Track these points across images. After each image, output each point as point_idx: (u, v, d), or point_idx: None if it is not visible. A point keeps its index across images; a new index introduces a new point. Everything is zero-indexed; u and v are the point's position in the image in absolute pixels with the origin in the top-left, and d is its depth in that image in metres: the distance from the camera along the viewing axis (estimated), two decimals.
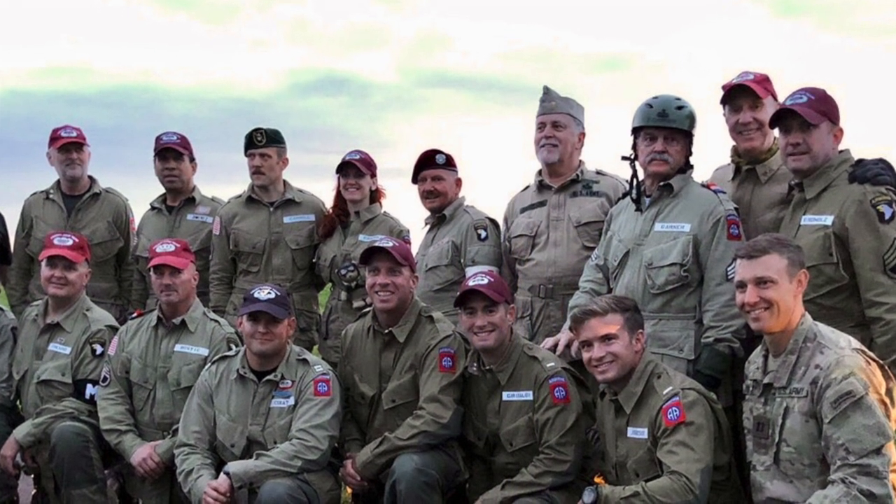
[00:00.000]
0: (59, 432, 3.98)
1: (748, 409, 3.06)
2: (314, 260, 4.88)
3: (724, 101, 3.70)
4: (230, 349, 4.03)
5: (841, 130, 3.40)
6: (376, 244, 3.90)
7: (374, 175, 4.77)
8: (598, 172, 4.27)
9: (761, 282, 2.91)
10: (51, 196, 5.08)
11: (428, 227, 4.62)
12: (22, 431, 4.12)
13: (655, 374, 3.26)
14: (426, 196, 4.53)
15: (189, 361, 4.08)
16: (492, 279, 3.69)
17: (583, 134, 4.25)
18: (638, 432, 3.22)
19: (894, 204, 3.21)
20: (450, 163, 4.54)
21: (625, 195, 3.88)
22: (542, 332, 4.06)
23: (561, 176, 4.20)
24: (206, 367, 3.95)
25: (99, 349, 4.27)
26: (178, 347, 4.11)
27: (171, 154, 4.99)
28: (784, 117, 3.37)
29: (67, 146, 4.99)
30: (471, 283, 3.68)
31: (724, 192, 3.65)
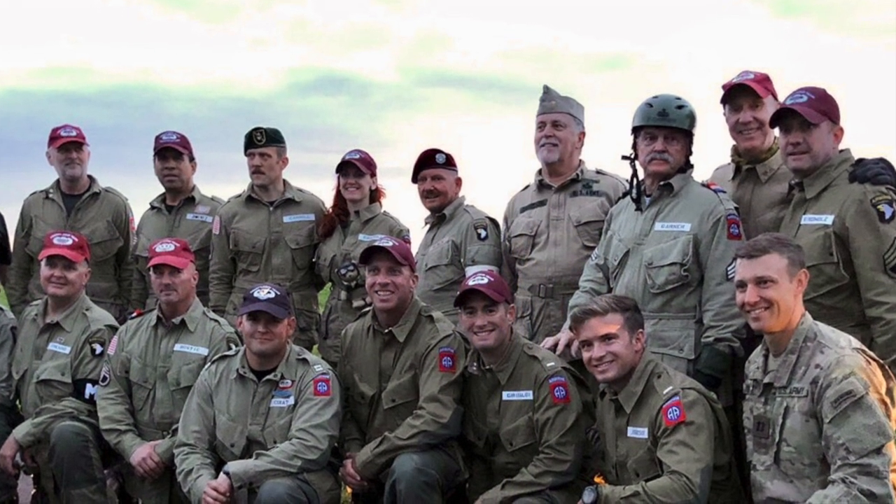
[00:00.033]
0: (58, 432, 3.98)
1: (748, 408, 3.06)
2: (314, 259, 4.88)
3: (724, 101, 3.70)
4: (230, 349, 4.02)
5: (841, 130, 3.40)
6: (376, 244, 3.90)
7: (373, 174, 4.77)
8: (599, 172, 4.26)
9: (761, 281, 2.91)
10: (50, 195, 5.08)
11: (428, 226, 4.61)
12: (21, 431, 4.12)
13: (655, 373, 3.26)
14: (426, 195, 4.53)
15: (189, 361, 4.07)
16: (492, 279, 3.69)
17: (583, 133, 4.25)
18: (638, 432, 3.22)
19: (894, 203, 3.21)
20: (450, 162, 4.54)
21: (625, 195, 3.88)
22: (542, 331, 4.05)
23: (561, 175, 4.20)
24: (206, 366, 3.95)
25: (98, 349, 4.27)
26: (177, 347, 4.11)
27: (171, 153, 4.99)
28: (784, 117, 3.37)
29: (67, 145, 4.98)
30: (471, 282, 3.68)
31: (725, 192, 3.65)
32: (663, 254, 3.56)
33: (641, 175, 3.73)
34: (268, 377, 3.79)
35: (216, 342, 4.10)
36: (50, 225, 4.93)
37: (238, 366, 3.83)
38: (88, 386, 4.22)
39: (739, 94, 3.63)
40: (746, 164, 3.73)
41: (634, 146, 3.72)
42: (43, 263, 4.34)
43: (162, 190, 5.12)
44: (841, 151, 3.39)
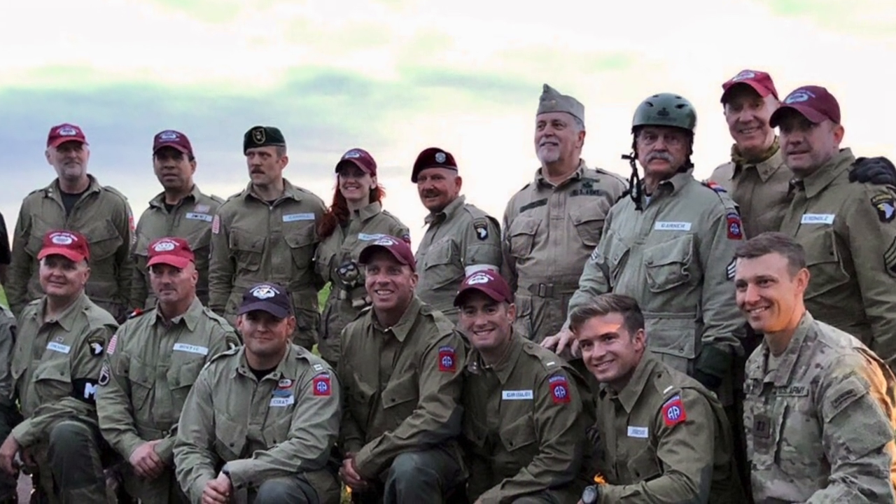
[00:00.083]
0: (57, 431, 3.98)
1: (749, 408, 3.06)
2: (314, 259, 4.87)
3: (724, 100, 3.69)
4: (229, 348, 4.02)
5: (841, 129, 3.40)
6: (376, 243, 3.90)
7: (373, 174, 4.76)
8: (599, 171, 4.26)
9: (762, 281, 2.90)
10: (50, 195, 5.07)
11: (428, 225, 4.61)
12: (21, 430, 4.12)
13: (656, 373, 3.26)
14: (426, 195, 4.53)
15: (188, 360, 4.07)
16: (492, 278, 3.69)
17: (583, 132, 4.25)
18: (638, 431, 3.22)
19: (895, 202, 3.20)
20: (449, 161, 4.53)
21: (625, 194, 3.87)
22: (542, 330, 4.05)
23: (561, 174, 4.20)
24: (206, 366, 3.95)
25: (98, 348, 4.26)
26: (177, 346, 4.10)
27: (171, 152, 4.98)
28: (785, 116, 3.37)
29: (66, 145, 4.98)
30: (471, 281, 3.67)
31: (725, 191, 3.64)
32: (663, 253, 3.55)
33: (642, 174, 3.72)
34: (267, 376, 3.79)
35: (216, 341, 4.09)
36: (49, 224, 4.92)
37: (238, 365, 3.83)
38: (88, 385, 4.22)
39: (740, 93, 3.63)
40: (747, 163, 3.72)
41: (634, 145, 3.72)
42: (42, 262, 4.33)
43: (161, 189, 5.11)
44: (841, 150, 3.39)
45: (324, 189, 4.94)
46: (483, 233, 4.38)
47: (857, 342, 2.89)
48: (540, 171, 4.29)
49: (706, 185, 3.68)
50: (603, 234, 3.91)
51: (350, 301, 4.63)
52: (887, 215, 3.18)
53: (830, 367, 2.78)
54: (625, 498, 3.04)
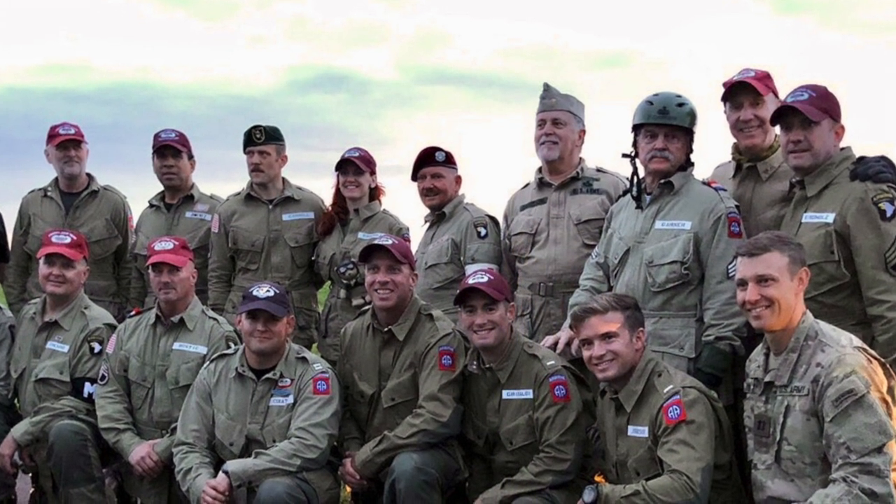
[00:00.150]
0: (57, 431, 3.97)
1: (749, 407, 3.05)
2: (313, 258, 4.87)
3: (724, 98, 3.68)
4: (229, 347, 4.02)
5: (842, 127, 3.39)
6: (376, 242, 3.89)
7: (373, 172, 4.76)
8: (599, 170, 4.26)
9: (762, 280, 2.90)
10: (49, 193, 5.07)
11: (427, 224, 4.61)
12: (20, 430, 4.11)
13: (656, 372, 3.25)
14: (426, 193, 4.52)
15: (187, 360, 4.06)
16: (492, 277, 3.68)
17: (583, 131, 4.24)
18: (638, 431, 3.21)
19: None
20: (449, 160, 4.53)
21: (625, 193, 3.87)
22: (542, 330, 4.05)
23: (561, 173, 4.19)
24: (205, 365, 3.94)
25: (97, 347, 4.26)
26: (176, 345, 4.10)
27: (170, 151, 4.98)
28: (785, 114, 3.36)
29: (65, 143, 4.97)
30: (471, 280, 3.67)
31: (725, 190, 3.64)
32: (664, 252, 3.55)
33: (642, 173, 3.72)
34: (267, 376, 3.78)
35: (215, 341, 4.09)
36: (48, 223, 4.92)
37: (237, 364, 3.82)
38: (87, 384, 4.21)
39: (740, 92, 3.62)
40: (747, 161, 3.72)
41: (635, 144, 3.71)
42: (41, 261, 4.33)
43: (161, 188, 5.11)
44: (842, 149, 3.38)
45: (323, 188, 4.95)
46: (483, 232, 4.38)
47: (857, 341, 2.89)
48: (540, 169, 4.29)
49: (706, 183, 3.67)
50: (603, 233, 3.91)
51: (350, 300, 4.62)
52: (888, 214, 3.18)
53: (831, 367, 2.78)
54: (625, 497, 3.04)
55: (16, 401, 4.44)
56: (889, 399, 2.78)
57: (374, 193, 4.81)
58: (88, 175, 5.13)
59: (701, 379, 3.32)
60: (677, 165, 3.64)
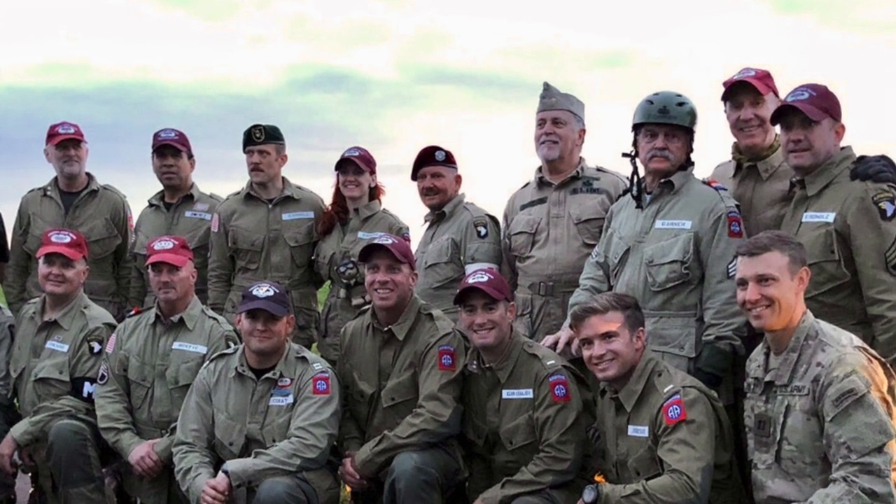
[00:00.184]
0: (56, 430, 3.97)
1: (749, 407, 3.05)
2: (313, 257, 4.87)
3: (725, 98, 3.68)
4: (228, 347, 4.01)
5: (843, 127, 3.39)
6: (375, 241, 3.89)
7: (373, 172, 4.75)
8: (599, 169, 4.26)
9: (762, 279, 2.89)
10: (48, 193, 5.06)
11: (427, 224, 4.60)
12: (19, 430, 4.11)
13: (656, 371, 3.25)
14: (426, 193, 4.52)
15: (187, 359, 4.06)
16: (492, 276, 3.68)
17: (583, 130, 4.24)
18: (639, 430, 3.21)
19: None
20: (449, 159, 4.53)
21: (625, 192, 3.86)
22: (542, 329, 4.04)
23: (561, 173, 4.19)
24: (205, 364, 3.94)
25: (97, 347, 4.25)
26: (176, 345, 4.10)
27: (170, 151, 4.97)
28: (785, 114, 3.36)
29: (65, 143, 4.97)
30: (470, 280, 3.67)
31: (726, 189, 3.64)
32: (664, 251, 3.54)
33: (642, 172, 3.71)
34: (267, 375, 3.78)
35: (215, 340, 4.08)
36: (48, 222, 4.91)
37: (237, 364, 3.82)
38: (86, 384, 4.20)
39: (740, 91, 3.62)
40: (747, 161, 3.71)
41: (635, 143, 3.71)
42: (41, 261, 4.33)
43: (160, 187, 5.10)
44: (842, 149, 3.38)
45: (323, 187, 4.95)
46: (483, 231, 4.37)
47: (857, 341, 2.89)
48: (540, 169, 4.28)
49: (707, 183, 3.67)
50: (603, 233, 3.90)
51: (349, 300, 4.62)
52: (888, 213, 3.17)
53: (831, 366, 2.77)
54: (625, 497, 3.03)
55: (15, 400, 4.44)
56: (889, 399, 2.78)
57: (374, 193, 4.80)
58: (88, 174, 5.13)
59: (701, 378, 3.32)
60: (677, 165, 3.64)
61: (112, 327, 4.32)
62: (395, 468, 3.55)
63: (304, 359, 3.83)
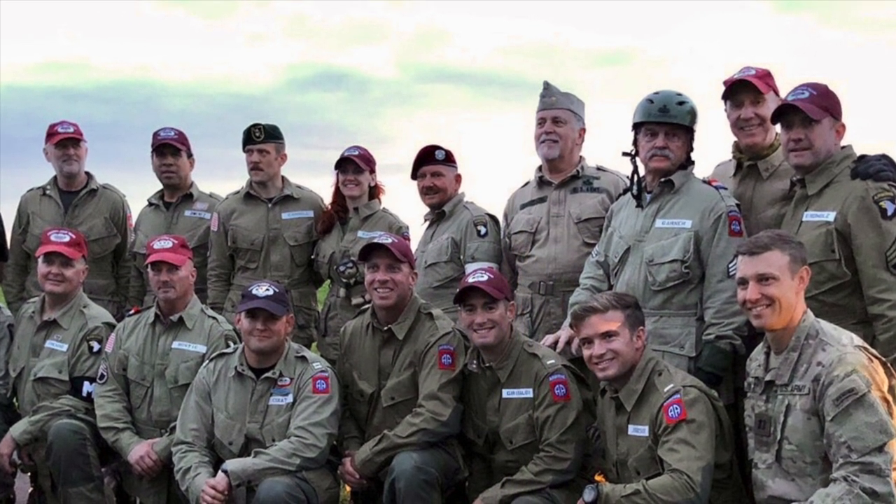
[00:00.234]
0: (55, 430, 3.96)
1: (750, 406, 3.05)
2: (313, 256, 4.86)
3: (725, 97, 3.68)
4: (228, 346, 4.01)
5: (843, 126, 3.39)
6: (375, 241, 3.88)
7: (372, 171, 4.75)
8: (599, 168, 4.25)
9: (763, 278, 2.89)
10: (48, 192, 5.06)
11: (427, 223, 4.60)
12: (18, 429, 4.11)
13: (656, 371, 3.24)
14: (425, 192, 4.51)
15: (187, 358, 4.06)
16: (491, 276, 3.68)
17: (583, 129, 4.23)
18: (639, 430, 3.20)
19: None
20: (449, 159, 4.52)
21: (625, 191, 3.86)
22: (542, 328, 4.04)
23: (561, 172, 4.18)
24: (204, 364, 3.93)
25: (96, 346, 4.25)
26: (175, 344, 4.09)
27: (169, 150, 4.97)
28: (786, 113, 3.35)
29: (64, 142, 4.96)
30: (470, 279, 3.66)
31: (726, 188, 3.63)
32: (664, 251, 3.54)
33: (642, 171, 3.71)
34: (266, 375, 3.77)
35: (214, 340, 4.08)
36: (47, 221, 4.91)
37: (236, 363, 3.81)
38: (86, 384, 4.20)
39: (741, 91, 3.61)
40: (748, 160, 3.71)
41: (635, 142, 3.70)
42: (40, 260, 4.32)
43: (160, 186, 5.10)
44: (843, 148, 3.38)
45: (323, 186, 4.94)
46: (483, 230, 4.37)
47: (858, 340, 2.88)
48: (540, 168, 4.28)
49: (707, 182, 3.67)
50: (603, 232, 3.90)
51: (349, 299, 4.62)
52: (889, 213, 3.17)
53: (832, 366, 2.77)
54: (625, 497, 3.03)
55: (14, 400, 4.43)
56: (890, 398, 2.78)
57: (374, 192, 4.80)
58: (87, 173, 5.12)
59: (701, 378, 3.31)
60: (678, 164, 3.63)
61: (111, 326, 4.32)
62: (395, 468, 3.55)
63: (303, 358, 3.83)
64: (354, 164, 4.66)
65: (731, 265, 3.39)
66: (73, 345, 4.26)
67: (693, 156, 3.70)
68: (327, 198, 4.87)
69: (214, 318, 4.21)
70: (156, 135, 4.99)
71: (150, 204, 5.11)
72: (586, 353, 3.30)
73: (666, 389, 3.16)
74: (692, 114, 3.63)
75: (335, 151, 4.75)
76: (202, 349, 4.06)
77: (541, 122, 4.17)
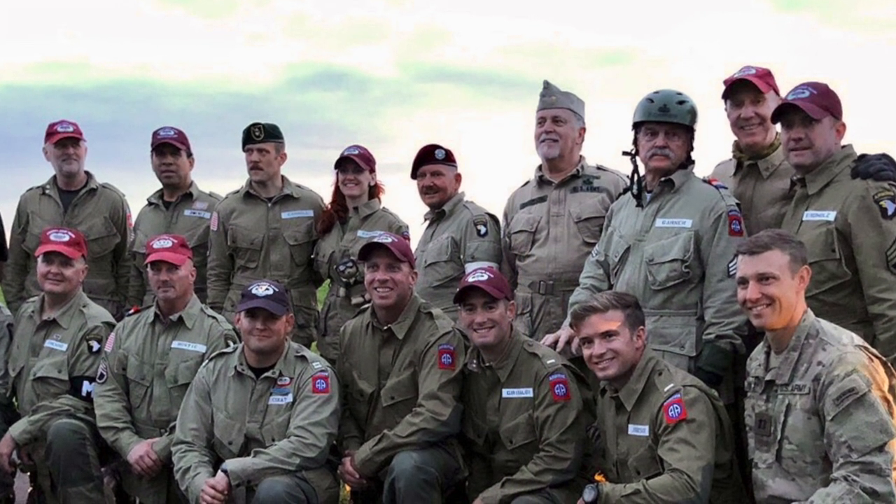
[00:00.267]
0: (55, 430, 3.96)
1: (750, 406, 3.04)
2: (312, 256, 4.86)
3: (725, 96, 3.67)
4: (228, 346, 4.00)
5: (843, 125, 3.38)
6: (375, 240, 3.88)
7: (372, 170, 4.74)
8: (599, 168, 4.25)
9: (763, 278, 2.89)
10: (47, 191, 5.05)
11: (427, 222, 4.60)
12: (18, 429, 4.10)
13: (657, 370, 3.24)
14: (425, 191, 4.51)
15: (186, 358, 4.05)
16: (491, 275, 3.67)
17: (583, 129, 4.23)
18: (639, 430, 3.20)
19: None
20: (449, 158, 4.52)
21: (626, 191, 3.86)
22: (542, 328, 4.04)
23: (561, 171, 4.18)
24: (204, 363, 3.93)
25: (95, 346, 4.24)
26: (175, 344, 4.09)
27: (169, 149, 4.96)
28: (786, 112, 3.35)
29: (64, 141, 4.96)
30: (470, 279, 3.66)
31: (726, 188, 3.63)
32: (664, 250, 3.54)
33: (642, 171, 3.71)
34: (266, 374, 3.77)
35: (214, 339, 4.08)
36: (47, 221, 4.90)
37: (236, 363, 3.81)
38: (85, 383, 4.19)
39: (741, 90, 3.61)
40: (748, 159, 3.71)
41: (635, 142, 3.70)
42: (39, 260, 4.32)
43: (159, 186, 5.09)
44: (843, 147, 3.37)
45: (323, 186, 4.94)
46: (483, 230, 4.37)
47: (858, 340, 2.88)
48: (540, 167, 4.28)
49: (707, 181, 3.66)
50: (603, 231, 3.90)
51: (349, 298, 4.61)
52: (889, 212, 3.17)
53: (832, 365, 2.77)
54: (625, 496, 3.03)
55: (14, 399, 4.43)
56: (890, 398, 2.77)
57: (374, 191, 4.79)
58: (87, 173, 5.12)
59: (701, 377, 3.31)
60: (678, 163, 3.63)
61: (111, 326, 4.32)
62: (395, 467, 3.54)
63: (303, 358, 3.83)
64: (354, 164, 4.66)
65: (731, 264, 3.38)
66: (73, 344, 4.26)
67: (693, 155, 3.69)
68: (327, 197, 4.87)
69: (214, 317, 4.20)
70: (155, 134, 4.99)
71: (150, 203, 5.11)
72: (586, 352, 3.30)
73: (666, 389, 3.16)
74: (692, 113, 3.63)
75: (335, 151, 4.76)
76: (202, 349, 4.06)
77: (541, 121, 4.17)
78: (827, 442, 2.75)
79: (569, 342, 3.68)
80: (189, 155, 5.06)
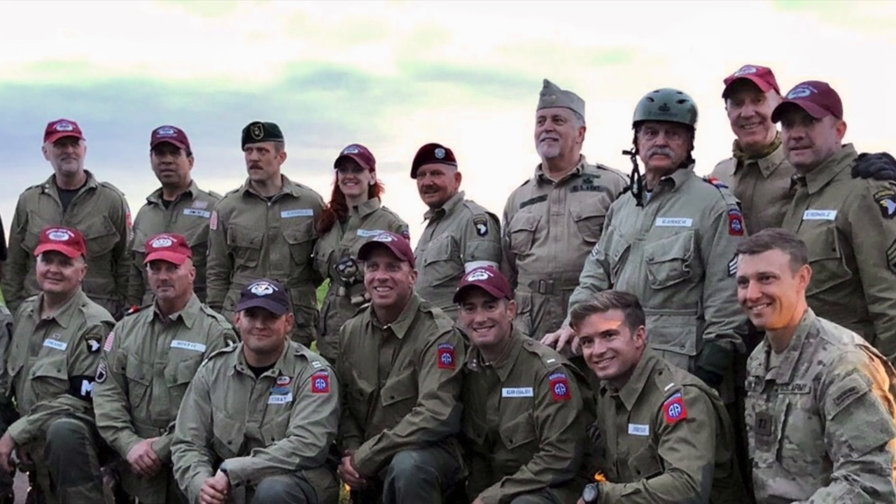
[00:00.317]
0: (54, 429, 3.96)
1: (750, 405, 3.04)
2: (312, 255, 4.85)
3: (725, 95, 3.67)
4: (227, 345, 4.00)
5: (844, 124, 3.38)
6: (375, 239, 3.88)
7: (372, 169, 4.74)
8: (599, 167, 4.24)
9: (763, 277, 2.89)
10: (46, 190, 5.05)
11: (427, 221, 4.59)
12: (17, 428, 4.10)
13: (657, 370, 3.24)
14: (425, 190, 4.51)
15: (186, 357, 4.05)
16: (491, 274, 3.67)
17: (583, 128, 4.23)
18: (639, 429, 3.20)
19: None
20: (449, 157, 4.51)
21: (626, 190, 3.85)
22: (542, 327, 4.03)
23: (561, 170, 4.17)
24: (203, 363, 3.93)
25: (95, 345, 4.24)
26: (174, 343, 4.09)
27: (168, 148, 4.96)
28: (786, 111, 3.35)
29: (63, 140, 4.95)
30: (470, 278, 3.65)
31: (726, 187, 3.63)
32: (664, 249, 3.53)
33: (642, 170, 3.70)
34: (266, 374, 3.77)
35: (213, 338, 4.07)
36: (46, 220, 4.90)
37: (236, 362, 3.81)
38: (85, 383, 4.19)
39: (741, 89, 3.61)
40: (748, 158, 3.70)
41: (635, 141, 3.70)
42: (39, 259, 4.32)
43: (159, 185, 5.09)
44: (844, 146, 3.37)
45: (322, 185, 4.93)
46: (483, 229, 4.36)
47: (859, 339, 2.88)
48: (540, 166, 4.27)
49: (707, 180, 3.66)
50: (603, 231, 3.89)
51: (349, 298, 4.61)
52: (890, 211, 3.17)
53: (833, 365, 2.77)
54: (626, 496, 3.02)
55: (13, 399, 4.42)
56: (891, 397, 2.77)
57: (374, 190, 4.79)
58: (86, 172, 5.12)
59: (702, 377, 3.31)
60: (678, 162, 3.63)
61: (110, 325, 4.31)
62: (395, 467, 3.54)
63: (303, 357, 3.82)
64: (354, 163, 4.65)
65: (731, 264, 3.38)
66: (72, 344, 4.25)
67: (693, 154, 3.69)
68: (327, 196, 4.86)
69: (213, 316, 4.20)
70: (155, 133, 4.98)
71: (149, 202, 5.10)
72: (586, 351, 3.30)
73: (666, 388, 3.16)
74: (692, 112, 3.62)
75: (335, 150, 4.76)
76: (201, 348, 4.06)
77: (541, 120, 4.16)
78: (827, 441, 2.75)
79: (569, 341, 3.68)
80: (188, 154, 5.05)
